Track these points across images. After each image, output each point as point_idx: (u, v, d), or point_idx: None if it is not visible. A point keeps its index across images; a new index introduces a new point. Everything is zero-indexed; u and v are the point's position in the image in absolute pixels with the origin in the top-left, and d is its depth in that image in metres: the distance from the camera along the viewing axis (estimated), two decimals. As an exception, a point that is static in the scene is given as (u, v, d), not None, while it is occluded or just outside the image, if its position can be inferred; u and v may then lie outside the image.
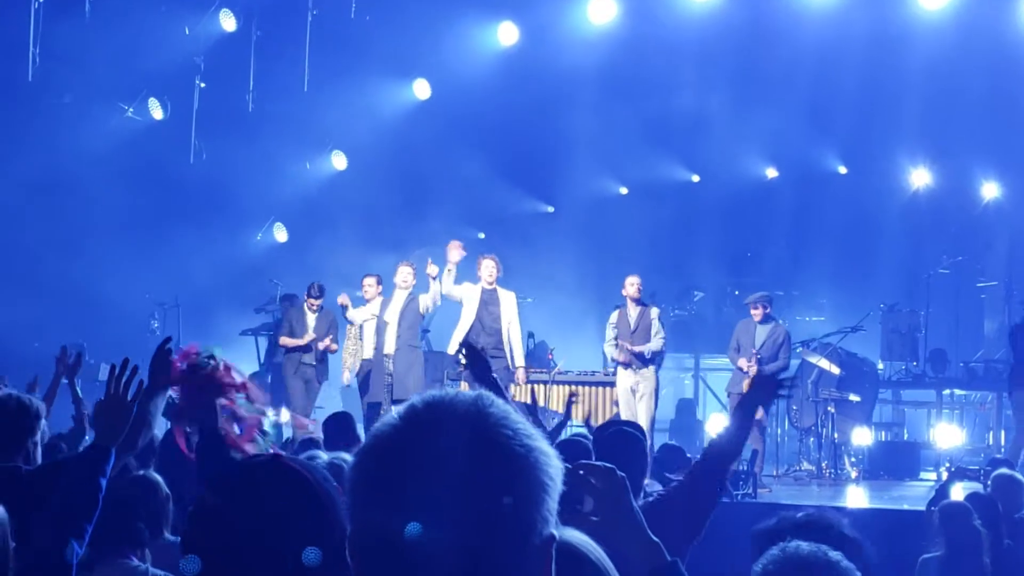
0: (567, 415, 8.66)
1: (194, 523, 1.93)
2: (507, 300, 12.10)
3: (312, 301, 13.36)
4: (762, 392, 4.37)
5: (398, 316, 12.23)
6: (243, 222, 18.98)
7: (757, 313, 12.57)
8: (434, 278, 11.97)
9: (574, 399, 10.62)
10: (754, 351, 12.25)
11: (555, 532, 1.43)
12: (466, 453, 1.37)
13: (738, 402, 4.36)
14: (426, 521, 1.34)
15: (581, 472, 2.60)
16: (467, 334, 11.86)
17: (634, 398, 11.85)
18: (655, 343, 11.98)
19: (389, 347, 12.21)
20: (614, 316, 12.12)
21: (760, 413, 12.07)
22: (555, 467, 1.43)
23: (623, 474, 2.63)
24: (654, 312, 12.22)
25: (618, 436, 4.99)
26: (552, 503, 1.42)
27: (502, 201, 18.67)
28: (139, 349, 16.25)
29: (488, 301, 11.98)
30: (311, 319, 13.37)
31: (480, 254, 12.47)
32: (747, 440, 4.36)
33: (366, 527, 1.40)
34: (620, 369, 11.99)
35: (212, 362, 3.64)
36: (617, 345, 11.94)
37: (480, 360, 5.29)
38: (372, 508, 1.39)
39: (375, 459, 1.41)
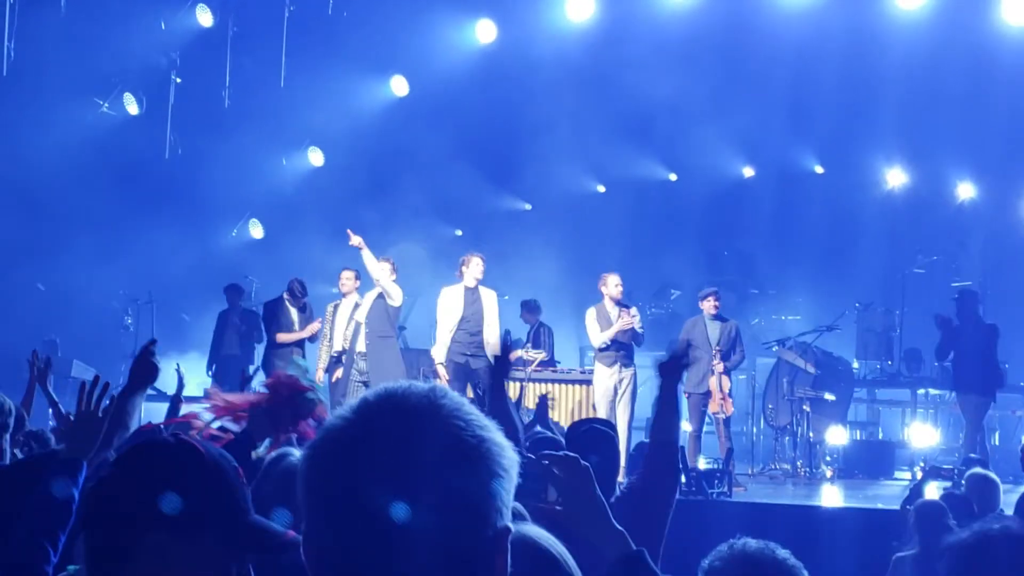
0: (538, 414, 8.65)
1: (92, 493, 2.00)
2: (489, 298, 12.05)
3: (297, 300, 13.16)
4: (670, 374, 4.36)
5: (367, 313, 12.23)
6: (218, 218, 18.94)
7: (711, 306, 12.33)
8: (360, 249, 11.99)
9: (550, 400, 10.58)
10: (716, 348, 12.13)
11: (510, 525, 1.43)
12: (418, 445, 1.37)
13: (658, 391, 4.41)
14: (380, 515, 1.34)
15: (545, 462, 2.59)
16: (454, 335, 11.79)
17: (616, 397, 11.81)
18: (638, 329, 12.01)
19: (360, 345, 12.21)
20: (593, 312, 12.02)
21: (730, 407, 12.07)
22: (509, 459, 1.43)
23: (587, 463, 2.61)
24: (634, 311, 12.20)
25: (590, 434, 4.96)
26: (506, 495, 1.42)
27: (479, 198, 18.64)
28: (113, 345, 16.17)
29: (472, 300, 11.94)
30: (295, 317, 13.20)
31: (468, 252, 12.30)
32: (678, 422, 4.44)
33: (320, 522, 1.40)
34: (601, 367, 11.90)
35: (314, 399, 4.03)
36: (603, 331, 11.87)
37: (505, 368, 5.19)
38: (325, 504, 1.39)
39: (327, 453, 1.41)
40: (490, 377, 5.37)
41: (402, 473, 1.35)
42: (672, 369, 4.34)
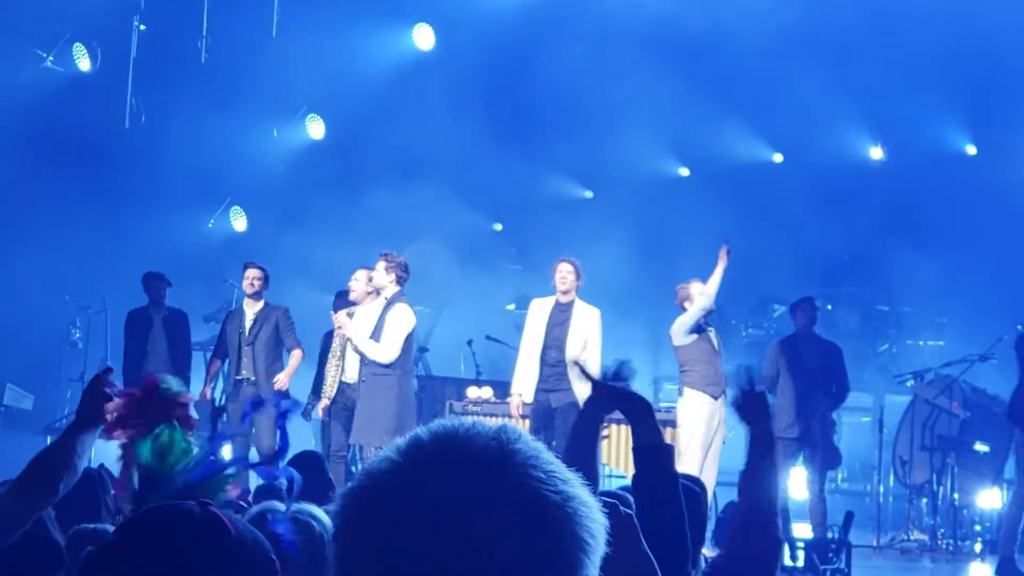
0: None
1: (93, 563, 2.11)
2: (584, 320, 11.83)
3: (252, 278, 12.66)
4: (755, 413, 4.16)
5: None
6: (191, 205, 18.92)
7: (807, 319, 12.23)
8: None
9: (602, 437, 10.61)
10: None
11: None
12: (484, 501, 1.40)
13: (748, 440, 4.18)
14: None
15: None
16: (541, 363, 11.70)
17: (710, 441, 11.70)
18: None
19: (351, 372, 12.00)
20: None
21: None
22: (597, 523, 1.46)
23: (628, 511, 2.61)
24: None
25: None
26: (592, 569, 1.45)
27: (525, 183, 18.67)
28: (56, 366, 16.12)
29: (560, 319, 11.82)
30: (249, 312, 12.70)
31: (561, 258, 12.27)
32: (776, 477, 4.18)
33: None
34: (699, 397, 11.71)
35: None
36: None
37: (610, 399, 4.83)
38: (364, 569, 1.42)
39: (368, 506, 1.44)
40: (585, 408, 5.05)
41: (460, 538, 1.38)
42: (753, 407, 4.18)
